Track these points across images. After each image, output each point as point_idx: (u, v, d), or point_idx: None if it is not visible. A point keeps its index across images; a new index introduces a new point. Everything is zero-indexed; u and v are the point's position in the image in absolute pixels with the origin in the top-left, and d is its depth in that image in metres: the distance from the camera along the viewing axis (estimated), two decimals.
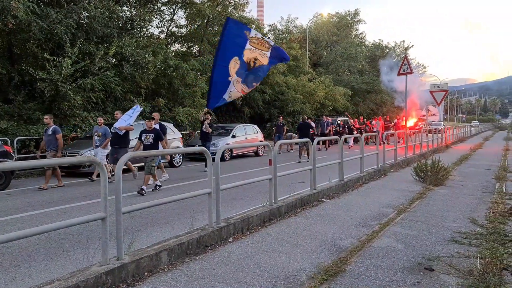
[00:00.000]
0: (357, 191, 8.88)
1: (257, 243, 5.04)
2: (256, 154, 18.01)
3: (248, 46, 9.54)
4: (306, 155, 15.19)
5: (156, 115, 10.56)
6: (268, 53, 9.82)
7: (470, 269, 4.08)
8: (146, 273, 3.99)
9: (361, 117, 28.56)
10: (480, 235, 5.31)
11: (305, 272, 4.08)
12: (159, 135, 8.97)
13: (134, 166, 10.45)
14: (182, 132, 17.57)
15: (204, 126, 12.18)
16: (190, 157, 16.07)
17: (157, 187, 9.05)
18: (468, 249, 4.76)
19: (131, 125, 10.25)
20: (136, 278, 3.87)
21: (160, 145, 9.08)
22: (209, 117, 12.67)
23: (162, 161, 10.68)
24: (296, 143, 18.08)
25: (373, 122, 25.76)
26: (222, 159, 15.38)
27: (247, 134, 17.97)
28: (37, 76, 13.08)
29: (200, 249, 4.71)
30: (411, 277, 3.96)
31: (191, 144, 16.77)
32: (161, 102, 18.73)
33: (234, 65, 9.78)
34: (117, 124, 10.21)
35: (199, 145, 15.32)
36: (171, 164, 13.76)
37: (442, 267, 4.21)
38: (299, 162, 14.59)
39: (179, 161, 14.08)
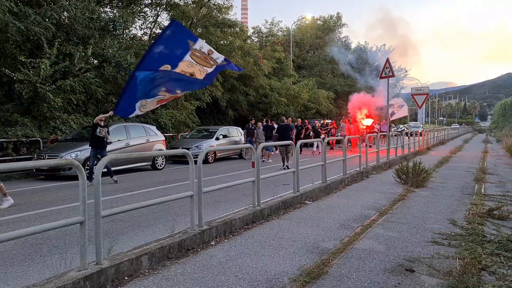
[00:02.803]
0: (340, 193, 8.93)
1: (240, 246, 5.01)
2: (240, 156, 17.98)
3: (187, 58, 7.94)
4: (287, 162, 13.59)
5: None
6: (210, 69, 8.34)
7: (450, 269, 4.14)
8: (126, 278, 3.92)
9: (324, 120, 26.50)
10: (460, 236, 5.39)
11: (288, 275, 4.07)
12: None
13: None
14: (165, 134, 17.44)
15: (98, 130, 10.19)
16: (173, 160, 15.96)
17: None
18: (448, 250, 4.83)
19: None
20: (115, 283, 3.79)
21: None
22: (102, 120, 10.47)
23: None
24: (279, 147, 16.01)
25: (341, 124, 24.06)
26: (206, 161, 15.32)
27: (231, 137, 17.93)
28: (15, 78, 12.80)
29: (182, 253, 4.65)
30: (392, 279, 3.99)
31: (174, 147, 16.65)
32: None
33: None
34: None
35: (182, 147, 15.29)
36: (153, 167, 13.62)
37: (423, 268, 4.26)
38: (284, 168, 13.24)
39: (162, 164, 13.95)
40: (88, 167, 10.48)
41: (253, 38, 38.17)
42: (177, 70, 7.91)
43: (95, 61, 16.77)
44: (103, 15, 18.29)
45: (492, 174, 12.33)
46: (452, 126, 66.46)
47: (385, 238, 5.37)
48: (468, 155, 20.23)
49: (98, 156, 10.12)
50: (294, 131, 18.62)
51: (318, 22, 47.39)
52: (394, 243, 5.17)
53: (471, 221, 6.21)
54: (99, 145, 10.25)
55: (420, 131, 26.79)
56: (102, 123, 10.33)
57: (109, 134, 10.65)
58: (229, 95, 25.95)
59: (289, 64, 34.46)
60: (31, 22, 13.14)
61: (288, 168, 12.82)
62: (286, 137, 14.24)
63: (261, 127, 17.07)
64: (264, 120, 19.41)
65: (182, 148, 13.75)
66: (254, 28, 41.79)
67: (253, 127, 17.32)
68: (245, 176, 10.20)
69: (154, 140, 13.96)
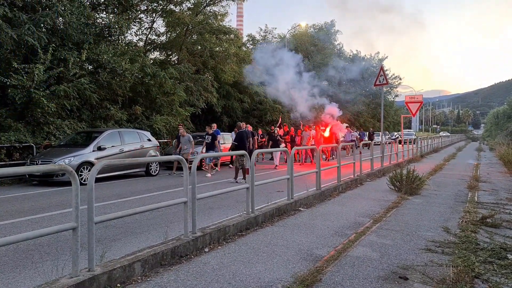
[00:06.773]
0: (334, 200, 8.93)
1: (233, 253, 4.99)
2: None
3: None
4: (242, 176, 11.70)
5: None
6: None
7: (443, 277, 4.14)
8: (118, 285, 3.89)
9: (285, 126, 22.17)
10: (453, 244, 5.41)
11: (281, 282, 4.06)
12: None
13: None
14: (160, 140, 17.40)
15: None
16: (167, 166, 15.90)
17: None
18: (441, 258, 4.84)
19: None
20: None
21: None
22: None
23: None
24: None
25: (305, 132, 19.61)
26: (200, 167, 15.26)
27: (225, 143, 17.89)
28: (8, 83, 12.73)
29: (175, 260, 4.62)
30: (386, 286, 3.98)
31: (168, 153, 16.59)
32: (138, 110, 18.51)
33: None
34: None
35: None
36: (147, 173, 13.57)
37: (416, 275, 4.26)
38: (236, 182, 11.55)
39: (156, 170, 13.90)
40: None
41: (248, 46, 38.29)
42: None
43: (90, 67, 16.74)
44: (98, 20, 18.30)
45: (485, 182, 12.41)
46: (441, 134, 66.73)
47: (379, 246, 5.37)
48: (461, 163, 20.35)
49: None
50: (250, 139, 14.48)
51: (312, 29, 47.73)
52: (388, 250, 5.17)
53: (464, 228, 6.23)
54: None
55: (413, 138, 26.80)
56: None
57: None
58: (224, 101, 25.97)
59: None
60: (24, 31, 13.07)
61: (238, 182, 11.24)
62: (243, 146, 12.00)
63: (185, 136, 14.20)
64: (237, 125, 14.39)
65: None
66: (248, 36, 41.95)
67: (181, 136, 14.34)
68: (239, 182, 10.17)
69: (148, 146, 13.93)
